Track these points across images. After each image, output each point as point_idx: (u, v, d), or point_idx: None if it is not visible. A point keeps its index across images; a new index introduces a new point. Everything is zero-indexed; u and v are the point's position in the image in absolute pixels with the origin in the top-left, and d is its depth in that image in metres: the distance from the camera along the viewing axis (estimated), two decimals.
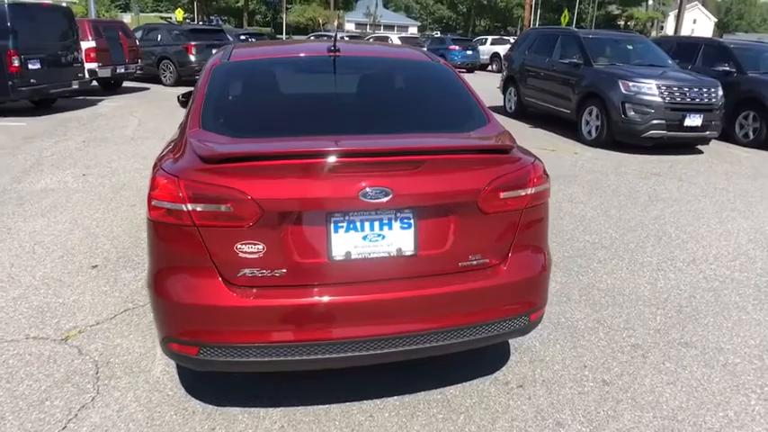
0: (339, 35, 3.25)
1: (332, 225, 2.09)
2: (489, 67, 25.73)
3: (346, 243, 2.11)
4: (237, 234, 2.04)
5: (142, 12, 72.58)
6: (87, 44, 13.05)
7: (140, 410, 2.53)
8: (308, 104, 2.71)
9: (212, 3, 73.45)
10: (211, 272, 2.09)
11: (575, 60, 8.85)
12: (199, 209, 2.02)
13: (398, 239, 2.14)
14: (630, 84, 7.73)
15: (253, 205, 2.00)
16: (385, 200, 2.05)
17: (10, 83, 9.70)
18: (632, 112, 7.67)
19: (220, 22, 53.74)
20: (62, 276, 3.74)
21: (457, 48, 24.83)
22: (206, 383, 2.65)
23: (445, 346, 2.25)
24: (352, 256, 2.12)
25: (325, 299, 2.11)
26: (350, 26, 65.97)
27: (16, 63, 9.82)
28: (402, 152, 2.15)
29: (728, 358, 2.92)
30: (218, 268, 2.09)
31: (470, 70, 24.06)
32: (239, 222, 2.02)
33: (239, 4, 62.98)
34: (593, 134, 8.33)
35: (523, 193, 2.26)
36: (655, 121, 7.60)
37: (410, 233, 2.15)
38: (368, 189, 2.03)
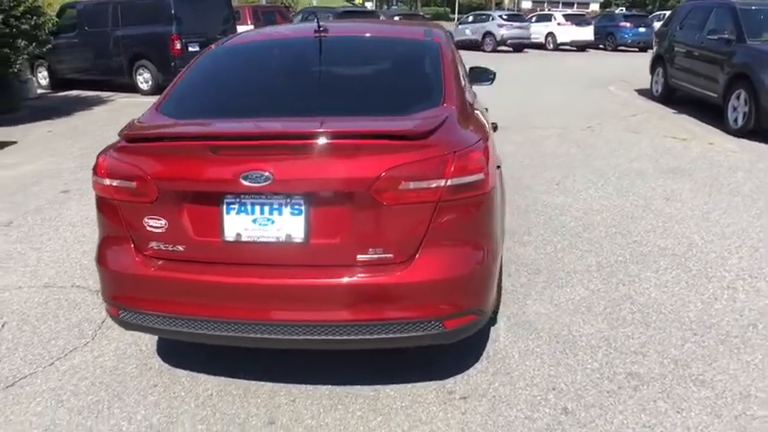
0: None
1: (224, 206, 2.09)
2: None
3: (237, 225, 2.09)
4: (144, 209, 2.16)
5: None
6: (246, 27, 14.38)
7: (111, 360, 2.78)
8: (266, 87, 2.70)
9: None
10: (128, 242, 2.26)
11: (726, 36, 7.43)
12: (115, 184, 2.18)
13: (288, 225, 2.06)
14: None
15: (151, 183, 2.10)
16: (264, 184, 1.98)
17: (172, 64, 11.08)
18: None
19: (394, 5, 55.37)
20: None
21: (628, 25, 22.41)
22: (181, 346, 2.80)
23: (339, 341, 2.10)
24: (243, 239, 2.10)
25: (217, 278, 2.13)
26: (526, 4, 63.21)
27: (178, 46, 11.20)
28: (283, 136, 2.05)
29: (749, 409, 2.27)
30: (133, 240, 2.24)
31: (643, 49, 21.57)
32: (143, 198, 2.14)
33: None
34: (740, 122, 6.96)
35: (435, 185, 1.98)
36: None
37: (300, 220, 2.05)
38: (248, 172, 1.98)
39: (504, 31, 20.78)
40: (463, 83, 2.95)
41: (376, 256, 2.04)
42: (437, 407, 2.34)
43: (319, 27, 2.79)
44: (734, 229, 4.10)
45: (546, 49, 22.39)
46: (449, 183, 1.99)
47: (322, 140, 2.00)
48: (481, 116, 2.76)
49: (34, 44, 8.92)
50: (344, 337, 2.08)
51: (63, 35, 12.14)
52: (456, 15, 40.83)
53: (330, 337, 2.09)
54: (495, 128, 3.60)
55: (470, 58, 19.04)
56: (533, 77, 13.82)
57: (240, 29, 14.01)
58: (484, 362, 2.63)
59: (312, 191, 2.03)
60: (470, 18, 23.00)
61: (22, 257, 3.97)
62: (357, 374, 2.55)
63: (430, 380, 2.51)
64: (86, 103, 10.74)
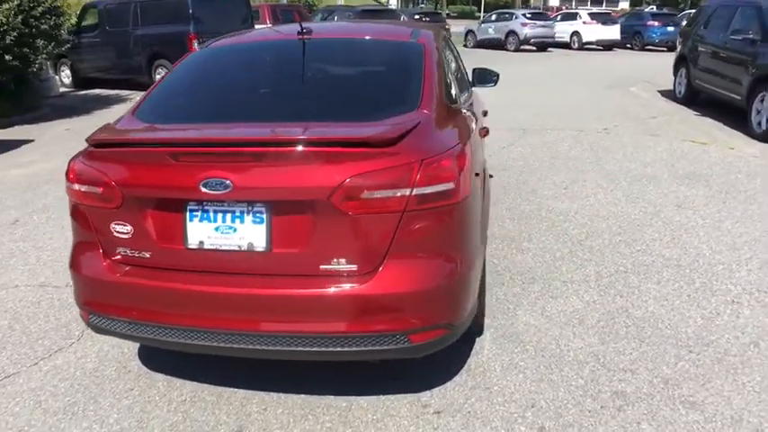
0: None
1: (187, 214, 2.06)
2: None
3: (200, 233, 2.06)
4: (111, 215, 2.14)
5: None
6: (263, 26, 14.45)
7: (93, 361, 2.78)
8: (240, 91, 2.66)
9: None
10: (98, 248, 2.24)
11: (750, 36, 7.13)
12: (83, 189, 2.18)
13: (250, 234, 2.01)
14: None
15: (116, 189, 2.08)
16: (224, 192, 1.94)
17: None
18: None
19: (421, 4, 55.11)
20: None
21: (656, 24, 21.81)
22: (162, 349, 2.75)
23: (301, 353, 2.05)
24: (205, 246, 2.06)
25: (181, 285, 2.10)
26: (554, 2, 62.16)
27: (195, 45, 11.29)
28: (241, 143, 2.01)
29: None
30: (102, 245, 2.23)
31: (671, 49, 20.99)
32: (109, 204, 2.12)
33: None
34: (764, 126, 6.67)
35: (400, 194, 1.90)
36: None
37: (262, 228, 2.00)
38: (208, 180, 1.94)
39: (528, 29, 20.44)
40: (452, 85, 2.86)
41: (339, 266, 1.98)
42: (409, 421, 2.27)
43: (302, 29, 2.73)
44: (746, 240, 3.92)
45: (571, 48, 21.94)
46: (415, 192, 1.91)
47: (281, 148, 1.95)
48: (467, 120, 2.67)
49: (53, 44, 9.09)
50: (306, 349, 2.03)
51: (85, 35, 12.40)
52: (482, 14, 40.41)
53: (291, 348, 2.03)
54: (485, 133, 3.49)
55: (491, 58, 18.87)
56: (555, 77, 13.55)
57: (258, 27, 14.11)
58: (464, 375, 2.54)
59: (273, 199, 1.98)
60: (493, 16, 22.68)
61: (23, 256, 4.02)
62: (332, 384, 2.49)
63: (406, 392, 2.43)
64: (106, 102, 10.93)
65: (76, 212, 2.28)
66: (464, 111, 2.84)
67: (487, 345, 2.76)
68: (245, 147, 1.99)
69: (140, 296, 2.16)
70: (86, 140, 2.22)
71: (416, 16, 19.11)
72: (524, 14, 21.05)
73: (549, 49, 21.65)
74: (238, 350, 2.09)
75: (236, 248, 2.03)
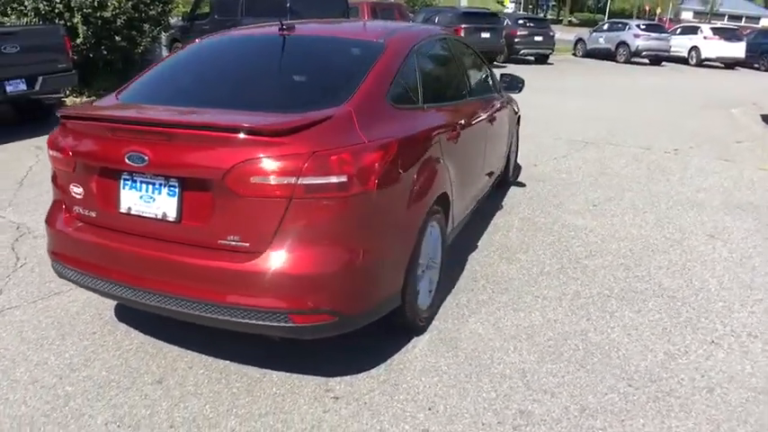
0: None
1: (122, 182, 2.31)
2: None
3: (129, 199, 2.30)
4: (69, 177, 2.45)
5: None
6: None
7: (78, 306, 3.13)
8: (199, 78, 2.86)
9: None
10: (62, 205, 2.57)
11: None
12: (53, 154, 2.49)
13: (165, 205, 2.22)
14: None
15: (71, 156, 2.37)
16: (142, 165, 2.16)
17: None
18: None
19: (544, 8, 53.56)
20: None
21: None
22: None
23: (196, 317, 2.22)
24: (132, 212, 2.30)
25: (112, 244, 2.35)
26: (687, 14, 57.66)
27: None
28: (155, 123, 2.21)
29: None
30: (65, 203, 2.54)
31: None
32: (67, 168, 2.42)
33: None
34: None
35: (285, 182, 2.01)
36: None
37: (174, 201, 2.20)
38: (130, 153, 2.17)
39: (640, 41, 19.15)
40: (420, 87, 2.85)
41: (233, 242, 2.12)
42: (305, 400, 2.35)
43: (282, 26, 2.89)
44: (766, 281, 3.51)
45: (688, 63, 20.29)
46: (301, 181, 2.01)
47: (186, 130, 2.14)
48: (420, 121, 2.69)
49: (159, 28, 10.03)
50: (199, 314, 2.19)
51: (197, 22, 13.47)
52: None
53: (189, 312, 2.21)
54: (456, 135, 3.33)
55: (593, 69, 18.08)
56: (654, 92, 12.67)
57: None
58: (381, 368, 2.57)
59: (183, 176, 2.17)
60: (606, 26, 21.49)
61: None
62: (263, 356, 2.61)
63: (319, 375, 2.51)
64: None
65: (53, 174, 2.62)
66: (432, 112, 2.84)
67: (421, 345, 2.76)
68: (157, 127, 2.19)
69: (84, 249, 2.45)
70: (57, 113, 2.54)
71: (520, 21, 18.63)
72: (638, 25, 19.74)
73: (664, 63, 20.17)
74: (151, 306, 2.30)
75: (154, 216, 2.24)
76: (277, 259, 2.07)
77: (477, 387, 2.45)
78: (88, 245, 2.43)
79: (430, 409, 2.32)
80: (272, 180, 2.01)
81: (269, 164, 2.01)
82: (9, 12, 8.66)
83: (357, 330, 2.46)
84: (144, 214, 2.26)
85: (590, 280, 3.48)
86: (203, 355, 2.66)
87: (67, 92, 8.70)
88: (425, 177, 2.59)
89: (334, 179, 2.04)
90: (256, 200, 2.05)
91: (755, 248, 4.00)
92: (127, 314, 3.00)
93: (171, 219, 2.21)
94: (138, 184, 2.26)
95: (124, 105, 2.60)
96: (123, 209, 2.31)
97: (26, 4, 8.52)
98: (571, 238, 4.14)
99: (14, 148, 6.28)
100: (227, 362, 2.61)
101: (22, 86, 6.97)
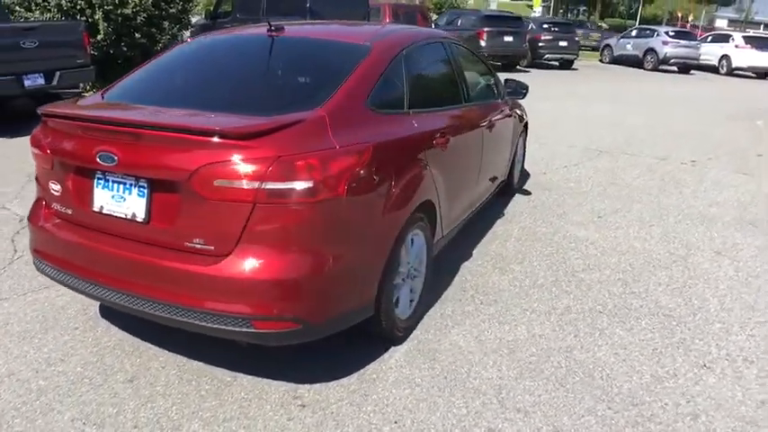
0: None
1: (95, 181, 2.31)
2: None
3: (102, 198, 2.30)
4: (48, 174, 2.46)
5: None
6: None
7: (65, 300, 3.14)
8: (186, 78, 2.84)
9: None
10: (42, 202, 2.59)
11: None
12: (34, 151, 2.51)
13: (134, 205, 2.21)
14: None
15: (49, 153, 2.38)
16: (111, 164, 2.16)
17: None
18: None
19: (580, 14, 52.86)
20: None
21: None
22: None
23: (160, 318, 2.20)
24: (104, 211, 2.29)
25: (85, 241, 2.35)
26: (722, 22, 56.30)
27: None
28: (123, 123, 2.20)
29: None
30: (45, 199, 2.56)
31: None
32: (46, 165, 2.44)
33: None
34: None
35: (248, 186, 1.97)
36: None
37: (143, 202, 2.19)
38: (101, 152, 2.17)
39: (669, 48, 18.70)
40: (407, 91, 2.79)
41: (198, 245, 2.10)
42: (272, 407, 2.31)
43: (271, 27, 2.86)
44: None
45: (718, 72, 19.75)
46: (265, 186, 1.97)
47: (153, 131, 2.11)
48: (400, 127, 2.64)
49: (178, 26, 10.15)
50: (165, 316, 2.17)
51: (220, 20, 13.61)
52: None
53: (154, 313, 2.19)
54: (445, 141, 3.26)
55: (619, 75, 17.79)
56: (678, 101, 12.35)
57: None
58: (354, 378, 2.51)
59: (152, 177, 2.15)
60: (633, 32, 21.05)
61: None
62: (237, 359, 2.59)
63: (290, 381, 2.47)
64: None
65: (36, 171, 2.63)
66: (418, 117, 2.78)
67: (398, 356, 2.69)
68: (125, 127, 2.18)
69: (59, 246, 2.46)
70: (38, 111, 2.54)
71: (545, 25, 18.37)
72: (667, 32, 19.29)
73: (692, 71, 19.68)
74: (120, 306, 2.29)
75: (124, 216, 2.23)
76: (240, 264, 2.04)
77: (449, 402, 2.38)
78: (63, 242, 2.44)
79: (396, 422, 2.26)
80: (235, 184, 1.98)
81: (232, 167, 1.98)
82: (33, 8, 8.87)
83: (335, 338, 2.44)
84: (115, 214, 2.25)
85: (583, 294, 3.37)
86: (179, 356, 2.65)
87: (86, 87, 8.87)
88: (405, 184, 2.53)
89: (299, 185, 2.00)
90: (220, 203, 2.02)
91: (763, 267, 3.83)
92: (110, 311, 3.00)
93: (140, 219, 2.19)
94: (111, 184, 2.26)
95: (103, 104, 2.60)
96: (96, 207, 2.30)
97: (49, 0, 8.71)
98: (570, 249, 4.02)
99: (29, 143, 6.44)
100: (201, 363, 2.59)
101: (41, 81, 7.12)
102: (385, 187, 2.38)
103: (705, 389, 2.54)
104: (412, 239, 2.77)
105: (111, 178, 2.25)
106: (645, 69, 19.62)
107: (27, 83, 6.94)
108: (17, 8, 8.93)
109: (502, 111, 4.22)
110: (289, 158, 2.00)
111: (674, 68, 19.43)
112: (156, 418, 2.26)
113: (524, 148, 5.41)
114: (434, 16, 21.72)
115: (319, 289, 2.13)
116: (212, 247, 2.08)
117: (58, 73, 7.23)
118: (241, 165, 1.97)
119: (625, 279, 3.59)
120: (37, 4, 8.90)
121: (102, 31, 8.97)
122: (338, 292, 2.21)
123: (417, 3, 19.07)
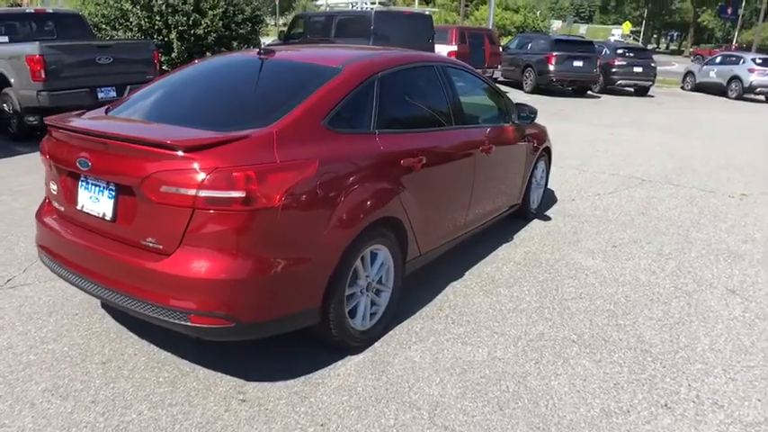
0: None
1: (80, 183, 2.62)
2: None
3: (83, 198, 2.61)
4: (50, 176, 2.83)
5: (586, 23, 74.45)
6: (448, 47, 15.01)
7: (74, 289, 3.51)
8: (173, 97, 3.09)
9: (663, 17, 69.26)
10: (46, 200, 2.96)
11: None
12: (41, 156, 2.88)
13: (105, 206, 2.50)
14: None
15: (48, 158, 2.75)
16: (86, 169, 2.47)
17: None
18: None
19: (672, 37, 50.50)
20: None
21: None
22: None
23: (120, 306, 2.45)
24: (85, 209, 2.60)
25: (70, 236, 2.67)
26: None
27: None
28: (94, 134, 2.50)
29: None
30: (49, 197, 2.92)
31: None
32: (48, 168, 2.80)
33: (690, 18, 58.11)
34: None
35: (186, 193, 2.20)
36: None
37: (111, 203, 2.47)
38: (79, 158, 2.48)
39: (756, 77, 17.44)
40: (375, 113, 2.91)
41: (151, 244, 2.35)
42: (214, 398, 2.48)
43: (261, 51, 3.11)
44: None
45: None
46: (201, 193, 2.18)
47: (117, 141, 2.41)
48: (365, 145, 2.78)
49: (246, 46, 10.85)
50: (124, 305, 2.43)
51: (291, 41, 14.35)
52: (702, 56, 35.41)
53: (116, 302, 2.46)
54: (419, 162, 3.27)
55: (697, 104, 16.86)
56: (754, 132, 11.54)
57: (440, 48, 14.68)
58: (300, 380, 2.64)
59: (116, 181, 2.44)
60: (718, 58, 19.84)
61: None
62: (202, 354, 2.79)
63: (241, 377, 2.63)
64: None
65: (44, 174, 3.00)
66: (385, 138, 2.89)
67: (350, 365, 2.78)
68: (95, 137, 2.49)
69: (53, 240, 2.79)
70: (44, 121, 2.91)
71: (619, 50, 17.78)
72: (754, 59, 18.03)
73: None
74: (94, 295, 2.58)
75: (97, 215, 2.53)
76: (181, 262, 2.26)
77: (381, 412, 2.45)
78: (55, 236, 2.76)
79: (323, 425, 2.35)
80: (176, 190, 2.21)
81: (175, 176, 2.22)
82: (117, 27, 9.83)
83: (303, 343, 2.62)
84: (92, 212, 2.55)
85: (563, 322, 3.30)
86: (152, 346, 2.89)
87: None
88: (361, 200, 2.64)
89: (235, 194, 2.19)
90: (166, 207, 2.26)
91: None
92: None
93: (108, 218, 2.48)
94: (90, 186, 2.57)
95: (95, 117, 2.94)
96: (79, 206, 2.62)
97: (131, 20, 9.63)
98: (568, 277, 3.94)
99: None
100: (169, 354, 2.82)
101: (113, 93, 7.88)
102: (332, 201, 2.50)
103: (655, 429, 2.44)
104: (375, 254, 2.87)
105: (90, 181, 2.56)
106: (728, 98, 18.43)
107: (100, 95, 7.71)
108: (104, 26, 9.94)
109: (509, 134, 4.22)
110: (227, 170, 2.20)
111: (762, 98, 18.12)
112: (113, 396, 2.50)
113: (547, 172, 5.33)
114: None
115: (251, 290, 2.29)
116: (161, 246, 2.32)
117: (128, 87, 7.97)
118: (182, 174, 2.20)
119: (614, 311, 3.48)
120: (120, 24, 9.86)
121: (175, 50, 9.79)
122: (271, 296, 2.36)
123: (487, 27, 18.99)
